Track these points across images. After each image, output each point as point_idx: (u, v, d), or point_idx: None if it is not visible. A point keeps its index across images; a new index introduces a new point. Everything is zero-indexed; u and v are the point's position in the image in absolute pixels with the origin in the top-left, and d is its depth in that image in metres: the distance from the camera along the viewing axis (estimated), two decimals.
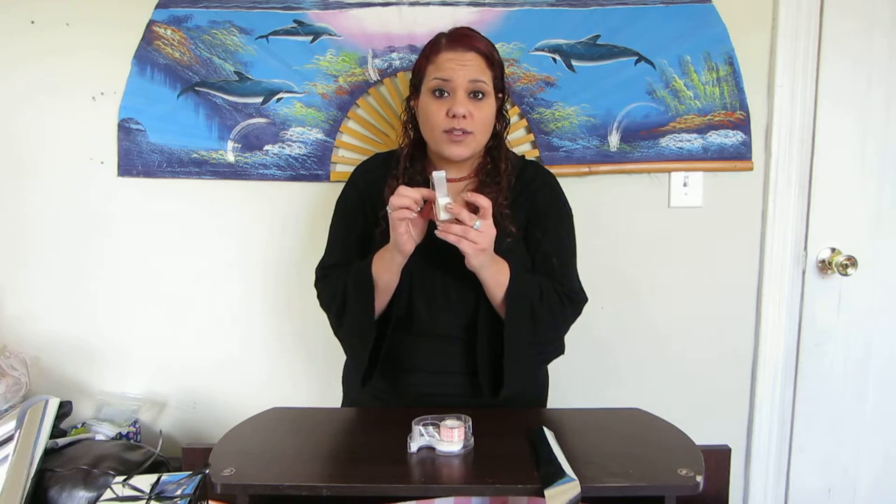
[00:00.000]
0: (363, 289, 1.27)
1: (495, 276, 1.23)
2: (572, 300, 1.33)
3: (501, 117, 1.37)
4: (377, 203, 1.34)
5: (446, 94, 1.27)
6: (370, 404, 1.38)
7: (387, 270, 1.25)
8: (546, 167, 1.52)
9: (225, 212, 1.78)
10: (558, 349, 1.41)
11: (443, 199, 1.13)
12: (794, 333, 1.82)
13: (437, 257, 1.27)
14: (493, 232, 1.17)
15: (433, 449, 1.03)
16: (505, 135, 1.39)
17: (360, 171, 1.45)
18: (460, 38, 1.29)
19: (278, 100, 1.71)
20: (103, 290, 1.81)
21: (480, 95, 1.27)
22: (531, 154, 1.71)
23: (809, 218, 1.78)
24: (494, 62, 1.30)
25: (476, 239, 1.14)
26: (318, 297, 1.40)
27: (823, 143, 1.74)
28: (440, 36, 1.32)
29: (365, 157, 1.52)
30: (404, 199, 1.15)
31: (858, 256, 1.76)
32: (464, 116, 1.25)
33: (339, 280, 1.33)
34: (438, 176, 1.13)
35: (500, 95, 1.35)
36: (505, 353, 1.25)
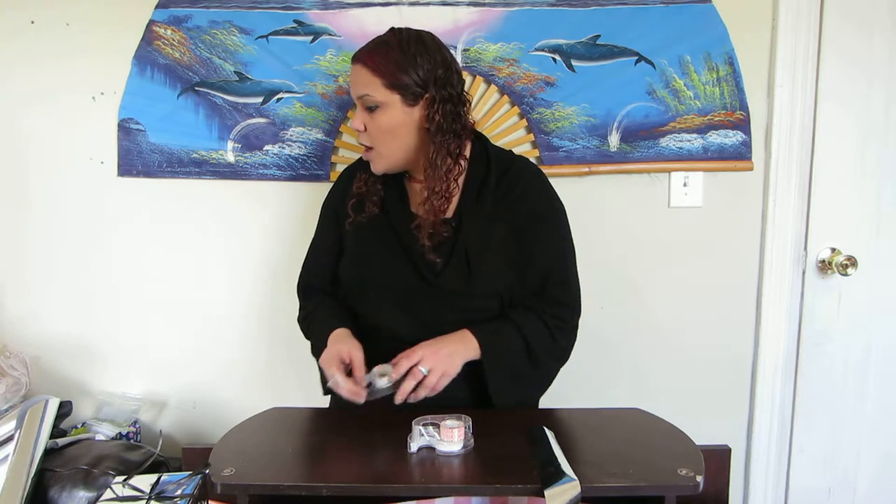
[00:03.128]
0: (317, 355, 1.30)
1: (471, 357, 1.23)
2: (563, 327, 1.29)
3: (431, 119, 1.24)
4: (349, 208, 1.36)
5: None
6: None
7: None
8: (542, 167, 1.49)
9: (225, 212, 1.78)
10: (559, 367, 1.36)
11: (381, 383, 1.16)
12: (794, 333, 1.82)
13: (415, 297, 1.28)
14: (437, 358, 1.17)
15: (433, 449, 1.03)
16: (449, 135, 1.25)
17: (340, 177, 1.47)
18: (356, 53, 1.28)
19: (278, 100, 1.71)
20: (103, 289, 1.81)
21: (373, 107, 1.26)
22: (531, 154, 1.70)
23: (809, 218, 1.78)
24: (384, 67, 1.23)
25: (433, 380, 1.17)
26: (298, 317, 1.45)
27: (823, 143, 1.74)
28: None
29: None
30: (348, 394, 1.16)
31: (858, 256, 1.76)
32: (359, 131, 1.28)
33: (310, 317, 1.38)
34: (373, 377, 1.16)
35: (428, 95, 1.24)
36: (494, 401, 1.26)
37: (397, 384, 1.15)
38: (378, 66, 1.23)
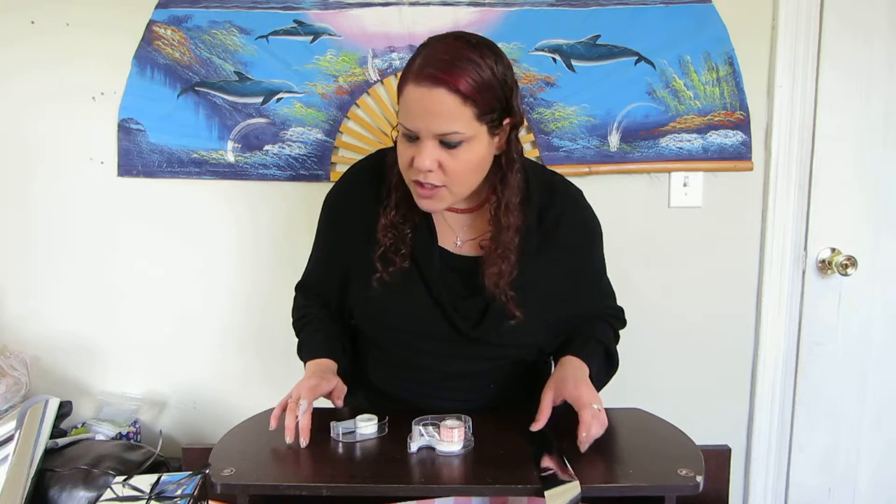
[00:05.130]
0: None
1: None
2: (621, 323, 1.30)
3: (509, 148, 1.08)
4: (365, 228, 1.16)
5: (416, 138, 1.02)
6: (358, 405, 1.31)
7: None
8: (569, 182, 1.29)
9: (225, 212, 1.78)
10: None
11: (368, 429, 1.08)
12: (794, 333, 1.82)
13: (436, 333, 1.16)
14: (594, 394, 1.08)
15: (433, 449, 1.03)
16: (516, 168, 1.10)
17: (346, 194, 1.23)
18: (431, 69, 0.98)
19: (278, 100, 1.71)
20: (104, 289, 1.81)
21: (457, 143, 1.01)
22: (531, 154, 1.70)
23: (809, 218, 1.78)
24: (480, 93, 1.00)
25: (603, 415, 1.04)
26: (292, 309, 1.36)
27: (823, 143, 1.74)
28: (420, 51, 1.03)
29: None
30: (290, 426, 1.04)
31: (858, 256, 1.76)
32: (430, 170, 1.02)
33: (304, 319, 1.29)
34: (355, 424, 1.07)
35: (508, 121, 1.07)
36: None
37: (382, 428, 1.08)
38: (472, 92, 0.99)
